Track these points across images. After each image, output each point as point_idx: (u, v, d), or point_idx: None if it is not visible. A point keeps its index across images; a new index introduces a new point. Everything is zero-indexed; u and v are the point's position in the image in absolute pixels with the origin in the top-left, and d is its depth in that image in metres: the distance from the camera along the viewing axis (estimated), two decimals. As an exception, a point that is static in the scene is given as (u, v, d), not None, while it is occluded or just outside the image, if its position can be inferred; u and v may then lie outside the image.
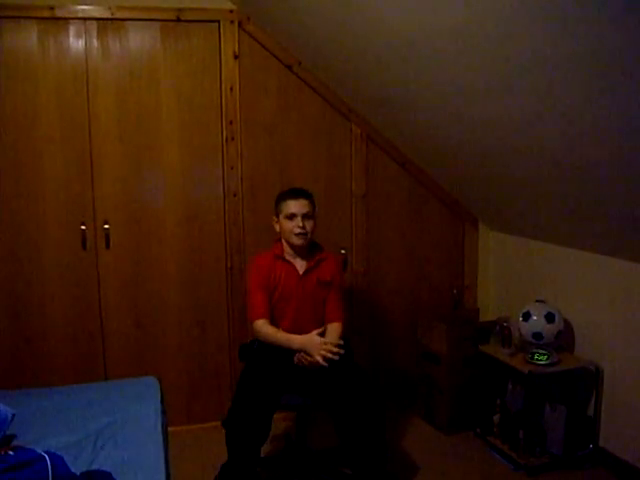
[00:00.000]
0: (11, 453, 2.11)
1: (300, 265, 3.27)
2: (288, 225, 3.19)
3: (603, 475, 3.43)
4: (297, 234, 3.16)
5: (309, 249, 3.29)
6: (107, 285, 3.82)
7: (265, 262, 3.27)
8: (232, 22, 3.75)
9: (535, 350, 3.49)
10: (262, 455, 3.10)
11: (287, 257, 3.27)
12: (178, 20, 3.70)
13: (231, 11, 3.74)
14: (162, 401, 2.92)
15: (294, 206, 3.18)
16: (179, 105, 3.79)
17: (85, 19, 3.59)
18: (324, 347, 3.01)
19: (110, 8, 3.60)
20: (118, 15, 3.62)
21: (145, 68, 3.72)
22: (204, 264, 3.94)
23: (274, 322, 3.23)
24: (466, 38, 2.39)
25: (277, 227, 3.28)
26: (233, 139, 3.87)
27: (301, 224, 3.15)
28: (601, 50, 1.95)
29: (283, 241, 3.28)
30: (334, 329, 3.23)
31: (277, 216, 3.26)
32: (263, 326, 3.16)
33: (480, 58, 2.46)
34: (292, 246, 3.24)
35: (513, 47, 2.25)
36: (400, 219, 4.27)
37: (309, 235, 3.20)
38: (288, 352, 3.09)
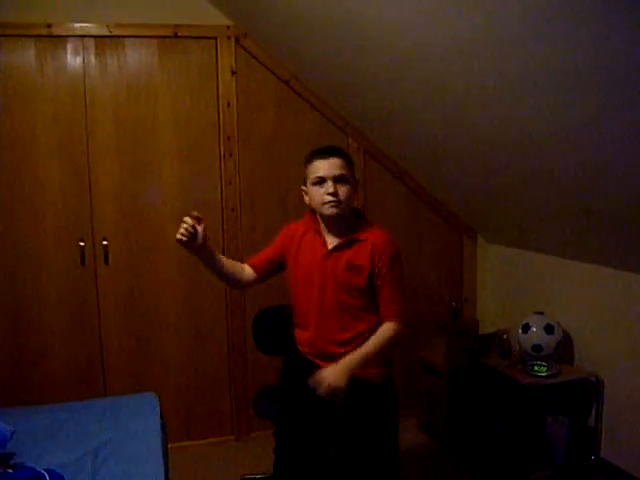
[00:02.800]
0: (10, 471, 2.11)
1: (331, 241, 2.56)
2: (316, 193, 2.49)
3: (605, 487, 3.42)
4: (327, 202, 2.46)
5: (347, 222, 2.55)
6: (106, 300, 3.82)
7: (293, 230, 2.70)
8: (229, 38, 3.78)
9: (535, 362, 3.49)
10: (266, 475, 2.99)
11: (319, 230, 2.60)
12: (175, 36, 3.72)
13: (228, 27, 3.77)
14: (161, 417, 2.92)
15: (323, 167, 2.47)
16: (177, 121, 3.81)
17: (83, 36, 3.61)
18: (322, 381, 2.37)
19: (107, 25, 3.62)
20: (115, 32, 3.64)
21: (143, 84, 3.74)
22: (203, 279, 3.93)
23: (299, 307, 2.69)
24: (463, 52, 2.41)
25: (306, 199, 2.59)
26: (231, 155, 3.88)
27: (332, 189, 2.44)
28: (602, 62, 1.96)
29: (318, 215, 2.60)
30: (381, 333, 2.49)
31: (305, 184, 2.58)
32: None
33: (477, 72, 2.48)
34: (324, 218, 2.56)
35: (511, 60, 2.26)
36: (398, 232, 4.24)
37: (344, 203, 2.47)
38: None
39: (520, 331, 3.58)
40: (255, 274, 2.72)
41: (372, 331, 2.52)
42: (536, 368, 3.45)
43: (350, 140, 4.06)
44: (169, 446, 2.88)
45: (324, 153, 2.50)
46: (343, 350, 2.50)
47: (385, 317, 2.51)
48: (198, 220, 2.43)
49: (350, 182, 2.50)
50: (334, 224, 2.54)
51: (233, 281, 2.73)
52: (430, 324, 4.26)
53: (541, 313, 3.61)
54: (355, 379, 2.43)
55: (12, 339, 3.71)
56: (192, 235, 2.40)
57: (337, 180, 2.46)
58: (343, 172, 2.48)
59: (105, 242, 3.75)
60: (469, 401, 3.91)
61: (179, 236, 2.39)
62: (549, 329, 3.48)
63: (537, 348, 3.49)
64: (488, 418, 3.83)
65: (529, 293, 3.99)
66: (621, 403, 3.36)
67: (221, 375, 4.05)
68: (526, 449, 3.52)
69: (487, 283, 4.42)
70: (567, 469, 3.49)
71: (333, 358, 2.48)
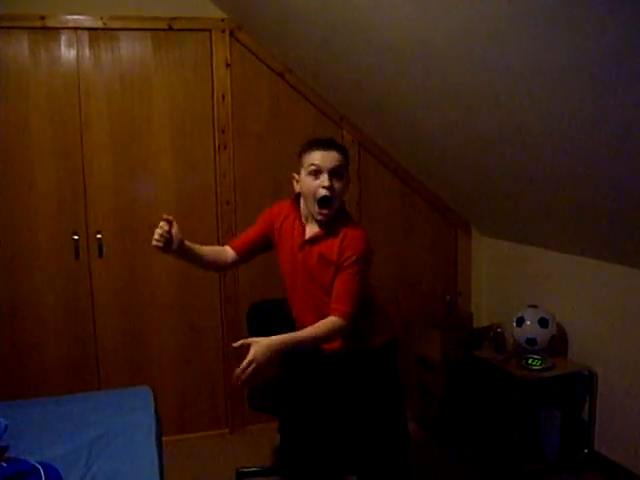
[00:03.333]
0: (4, 465, 2.10)
1: (309, 230, 2.56)
2: (310, 183, 2.44)
3: (598, 479, 3.43)
4: (321, 198, 2.42)
5: (332, 218, 2.52)
6: (100, 294, 3.81)
7: (275, 213, 2.69)
8: (223, 31, 3.76)
9: (529, 355, 3.49)
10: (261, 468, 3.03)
11: (300, 218, 2.59)
12: (170, 29, 3.71)
13: (222, 20, 3.75)
14: (156, 411, 2.91)
15: (320, 158, 2.42)
16: (171, 114, 3.80)
17: (76, 29, 3.59)
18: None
19: (102, 18, 3.60)
20: (110, 25, 3.62)
21: (137, 77, 3.73)
22: (197, 272, 3.91)
23: (286, 280, 2.70)
24: (460, 47, 2.40)
25: (297, 187, 2.55)
26: (225, 147, 3.87)
27: (327, 183, 2.40)
28: (598, 59, 1.95)
29: (302, 203, 2.58)
30: (324, 325, 2.43)
31: (299, 172, 2.53)
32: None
33: (472, 67, 2.47)
34: (309, 209, 2.53)
35: (507, 57, 2.26)
36: (392, 225, 4.27)
37: (337, 201, 2.47)
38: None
39: (514, 324, 3.59)
40: (236, 254, 2.73)
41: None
42: (530, 361, 3.46)
43: (345, 133, 4.06)
44: (164, 439, 2.88)
45: (324, 144, 2.46)
46: None
47: (332, 310, 2.44)
48: (170, 223, 2.43)
49: (344, 178, 2.49)
50: (315, 219, 2.53)
51: (215, 266, 2.77)
52: (424, 318, 4.27)
53: (535, 306, 3.62)
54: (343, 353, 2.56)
55: (6, 332, 3.70)
56: (167, 239, 2.41)
57: (333, 173, 2.43)
58: (341, 165, 2.46)
59: (99, 235, 3.74)
60: (463, 394, 3.92)
61: (155, 242, 2.40)
62: (543, 322, 3.49)
63: (531, 341, 3.50)
64: (482, 411, 3.84)
65: (523, 286, 4.00)
66: (614, 396, 3.37)
67: (215, 368, 4.05)
68: (520, 442, 3.53)
69: (481, 277, 4.42)
70: (560, 462, 3.50)
71: None
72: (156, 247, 2.41)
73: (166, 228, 2.40)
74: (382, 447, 2.68)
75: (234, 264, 2.79)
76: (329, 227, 2.51)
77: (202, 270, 2.75)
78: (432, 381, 4.00)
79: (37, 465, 2.13)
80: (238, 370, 2.35)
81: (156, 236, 2.39)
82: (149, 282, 3.88)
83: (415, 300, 4.38)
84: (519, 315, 3.59)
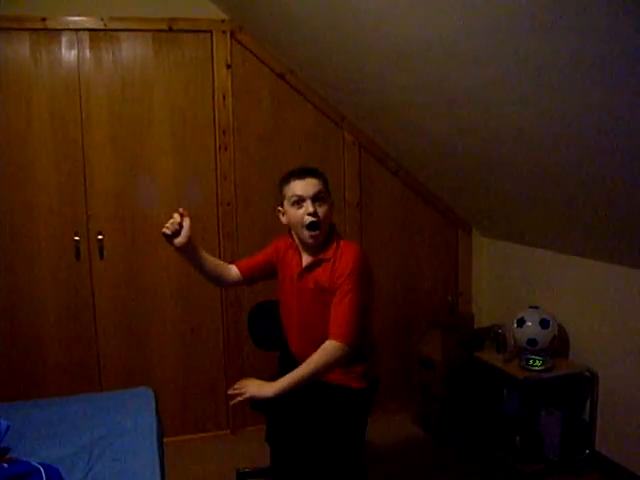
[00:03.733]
0: (6, 465, 2.10)
1: (305, 259, 2.62)
2: (296, 213, 2.51)
3: (599, 480, 3.44)
4: (309, 224, 2.48)
5: (320, 240, 2.57)
6: (101, 295, 3.81)
7: (281, 244, 2.75)
8: (224, 32, 3.77)
9: (530, 356, 3.49)
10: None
11: (297, 247, 2.65)
12: (170, 30, 3.71)
13: (223, 21, 3.75)
14: (157, 411, 2.91)
15: (301, 187, 2.51)
16: (172, 115, 3.80)
17: (77, 30, 3.60)
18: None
19: (102, 19, 3.61)
20: (110, 26, 3.63)
21: (137, 78, 3.73)
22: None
23: (283, 308, 2.78)
24: (462, 48, 2.40)
25: (283, 219, 2.62)
26: (226, 149, 3.87)
27: (311, 209, 2.47)
28: (598, 58, 1.95)
29: (293, 233, 2.64)
30: (320, 354, 2.42)
31: (282, 205, 2.61)
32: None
33: (475, 68, 2.47)
34: (300, 238, 2.59)
35: (508, 57, 2.26)
36: (393, 226, 4.27)
37: (323, 224, 2.51)
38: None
39: (515, 325, 3.59)
40: (240, 275, 2.78)
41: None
42: (531, 362, 3.46)
43: (345, 134, 4.06)
44: (165, 440, 2.88)
45: (300, 174, 2.54)
46: None
47: (329, 334, 2.44)
48: (182, 216, 2.50)
49: (327, 201, 2.55)
50: (307, 243, 2.57)
51: (216, 279, 2.78)
52: (425, 318, 4.27)
53: (536, 307, 3.62)
54: (325, 384, 2.56)
55: (7, 334, 3.71)
56: (177, 231, 2.48)
57: (315, 199, 2.50)
58: (321, 190, 2.52)
59: (100, 236, 3.75)
60: (464, 395, 3.92)
61: (164, 229, 2.47)
62: (544, 323, 3.49)
63: (532, 342, 3.50)
64: (483, 412, 3.84)
65: (524, 287, 4.00)
66: (615, 397, 3.37)
67: (216, 369, 4.05)
68: (521, 442, 3.54)
69: (483, 277, 4.42)
70: (561, 463, 3.50)
71: None
72: (163, 234, 2.48)
73: (178, 220, 2.47)
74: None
75: (235, 284, 2.84)
76: (321, 253, 2.56)
77: (201, 277, 2.75)
78: (432, 381, 4.00)
79: (38, 466, 2.13)
80: (230, 390, 2.48)
81: (168, 224, 2.48)
82: (150, 283, 3.88)
83: (416, 301, 4.38)
84: (520, 316, 3.59)
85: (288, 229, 2.67)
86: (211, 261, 2.71)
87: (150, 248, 3.85)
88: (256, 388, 2.43)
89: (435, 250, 4.39)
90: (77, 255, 3.73)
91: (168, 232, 2.46)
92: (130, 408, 2.88)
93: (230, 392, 2.48)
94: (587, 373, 3.48)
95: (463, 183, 3.82)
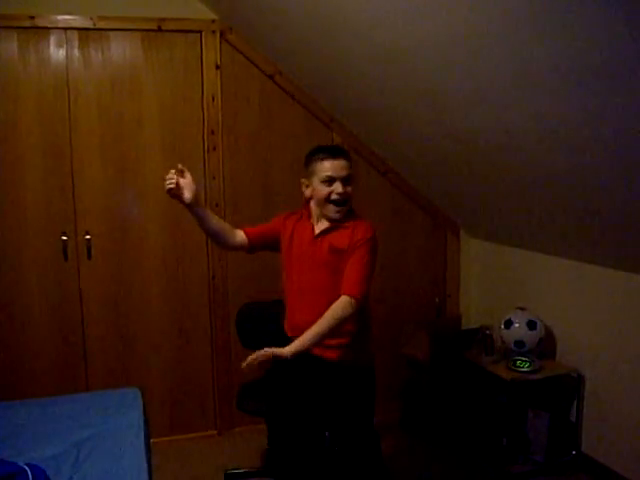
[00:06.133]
0: (-8, 466, 2.09)
1: (319, 227, 2.74)
2: (324, 190, 2.64)
3: (585, 481, 3.46)
4: (337, 201, 2.63)
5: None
6: (88, 295, 3.80)
7: (290, 218, 2.86)
8: (214, 32, 3.76)
9: (517, 357, 3.51)
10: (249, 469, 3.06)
11: (311, 218, 2.77)
12: (160, 30, 3.70)
13: (213, 21, 3.75)
14: (144, 412, 2.91)
15: (333, 168, 2.62)
16: (161, 115, 3.79)
17: (66, 29, 3.58)
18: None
19: (91, 18, 3.59)
20: (99, 25, 3.61)
21: (126, 78, 3.72)
22: (186, 274, 3.92)
23: (287, 280, 2.83)
24: (449, 50, 2.41)
25: (307, 192, 2.74)
26: (215, 149, 3.87)
27: (341, 189, 2.62)
28: (596, 60, 1.96)
29: (312, 204, 2.76)
30: (332, 309, 2.54)
31: (308, 178, 2.71)
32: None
33: (465, 70, 2.48)
34: (324, 214, 2.72)
35: (497, 59, 2.27)
36: (382, 227, 4.24)
37: (349, 203, 2.69)
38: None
39: (503, 327, 3.60)
40: (247, 238, 2.86)
41: (354, 327, 2.69)
42: (518, 363, 3.48)
43: (335, 135, 4.06)
44: (152, 441, 2.88)
45: (333, 154, 2.66)
46: None
47: (343, 290, 2.58)
48: (182, 173, 2.59)
49: (353, 182, 2.70)
50: (331, 217, 2.69)
51: (222, 240, 2.86)
52: (413, 320, 4.28)
53: (524, 309, 3.63)
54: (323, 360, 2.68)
55: (-7, 334, 3.69)
56: (178, 184, 2.56)
57: (344, 180, 2.64)
58: (350, 173, 2.66)
59: (88, 236, 3.73)
60: (451, 396, 3.93)
61: (169, 184, 2.55)
62: (532, 325, 3.51)
63: (519, 344, 3.51)
64: (470, 413, 3.85)
65: (512, 289, 4.02)
66: (602, 398, 3.39)
67: (204, 370, 4.04)
68: (507, 444, 3.55)
69: (470, 279, 4.44)
70: (548, 464, 3.52)
71: None
72: (168, 190, 2.56)
73: (173, 175, 2.56)
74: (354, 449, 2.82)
75: (240, 247, 2.89)
76: (338, 221, 2.69)
77: (209, 237, 2.95)
78: (420, 382, 4.00)
79: (25, 467, 2.12)
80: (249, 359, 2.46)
81: (167, 180, 2.56)
82: (138, 283, 3.86)
83: (404, 302, 4.38)
84: (507, 317, 3.60)
85: (307, 200, 2.78)
86: (218, 221, 2.82)
87: (138, 249, 3.84)
88: (274, 348, 2.47)
89: (423, 251, 4.40)
90: (65, 256, 3.71)
91: (172, 185, 2.54)
92: (117, 408, 2.88)
93: (250, 359, 2.45)
94: (574, 374, 3.49)
95: (451, 184, 3.84)
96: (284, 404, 2.90)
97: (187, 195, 2.59)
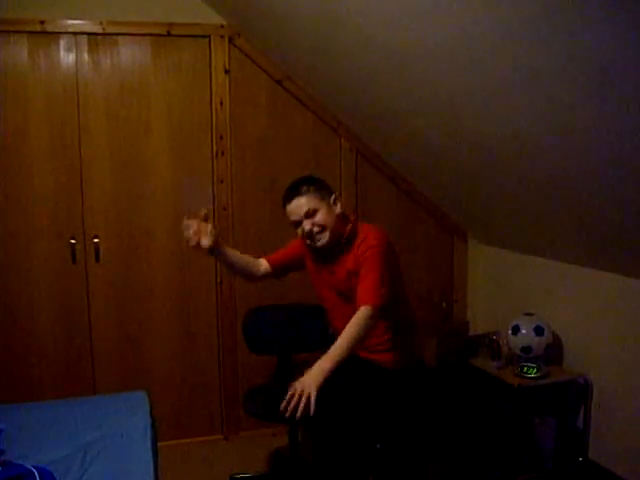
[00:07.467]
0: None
1: (330, 255, 2.74)
2: (298, 231, 2.68)
3: (592, 488, 3.44)
4: (310, 237, 2.65)
5: (339, 238, 2.69)
6: (96, 298, 3.81)
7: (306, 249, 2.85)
8: (222, 37, 3.78)
9: (524, 363, 3.50)
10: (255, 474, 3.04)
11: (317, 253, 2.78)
12: (169, 35, 3.72)
13: (222, 26, 3.77)
14: (151, 415, 2.91)
15: (292, 212, 2.65)
16: (169, 119, 3.81)
17: (76, 34, 3.60)
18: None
19: (101, 23, 3.61)
20: (109, 30, 3.63)
21: (136, 83, 3.74)
22: (194, 278, 3.93)
23: (318, 294, 2.87)
24: (457, 55, 2.41)
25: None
26: (223, 153, 3.88)
27: (308, 228, 2.61)
28: (597, 65, 1.96)
29: None
30: (352, 322, 2.43)
31: None
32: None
33: (474, 74, 2.48)
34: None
35: (504, 62, 2.27)
36: (389, 233, 4.25)
37: (327, 230, 2.63)
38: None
39: (510, 332, 3.59)
40: (270, 267, 2.88)
41: (391, 330, 2.75)
42: (525, 369, 3.47)
43: (342, 141, 4.07)
44: (159, 445, 2.88)
45: (288, 197, 2.65)
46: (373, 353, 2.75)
47: (358, 303, 2.48)
48: (206, 217, 2.55)
49: (321, 208, 2.63)
50: (322, 250, 2.71)
51: (249, 274, 2.87)
52: (420, 324, 4.26)
53: (531, 314, 3.62)
54: (369, 363, 2.72)
55: (2, 336, 3.70)
56: (198, 238, 2.53)
57: (309, 216, 2.61)
58: (309, 207, 2.61)
59: (96, 240, 3.75)
60: (458, 402, 3.93)
61: (190, 242, 2.53)
62: (539, 331, 3.50)
63: (527, 349, 3.50)
64: (477, 419, 3.84)
65: (519, 295, 4.00)
66: (609, 405, 3.38)
67: (211, 374, 4.04)
68: (514, 450, 3.54)
69: (477, 284, 4.43)
70: (555, 470, 3.50)
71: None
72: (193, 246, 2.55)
73: (193, 227, 2.52)
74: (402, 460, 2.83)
75: (265, 276, 2.90)
76: (346, 244, 2.68)
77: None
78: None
79: (32, 469, 2.13)
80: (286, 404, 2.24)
81: (186, 236, 2.54)
82: (146, 287, 3.88)
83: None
84: (515, 323, 3.59)
85: None
86: (240, 258, 2.81)
87: (146, 252, 3.85)
88: (308, 387, 2.22)
89: (430, 256, 4.40)
90: (73, 259, 3.72)
91: (193, 243, 2.53)
92: (124, 412, 2.88)
93: (290, 406, 2.22)
94: (581, 380, 3.48)
95: (459, 190, 3.84)
96: (336, 412, 2.76)
97: (204, 242, 2.54)
